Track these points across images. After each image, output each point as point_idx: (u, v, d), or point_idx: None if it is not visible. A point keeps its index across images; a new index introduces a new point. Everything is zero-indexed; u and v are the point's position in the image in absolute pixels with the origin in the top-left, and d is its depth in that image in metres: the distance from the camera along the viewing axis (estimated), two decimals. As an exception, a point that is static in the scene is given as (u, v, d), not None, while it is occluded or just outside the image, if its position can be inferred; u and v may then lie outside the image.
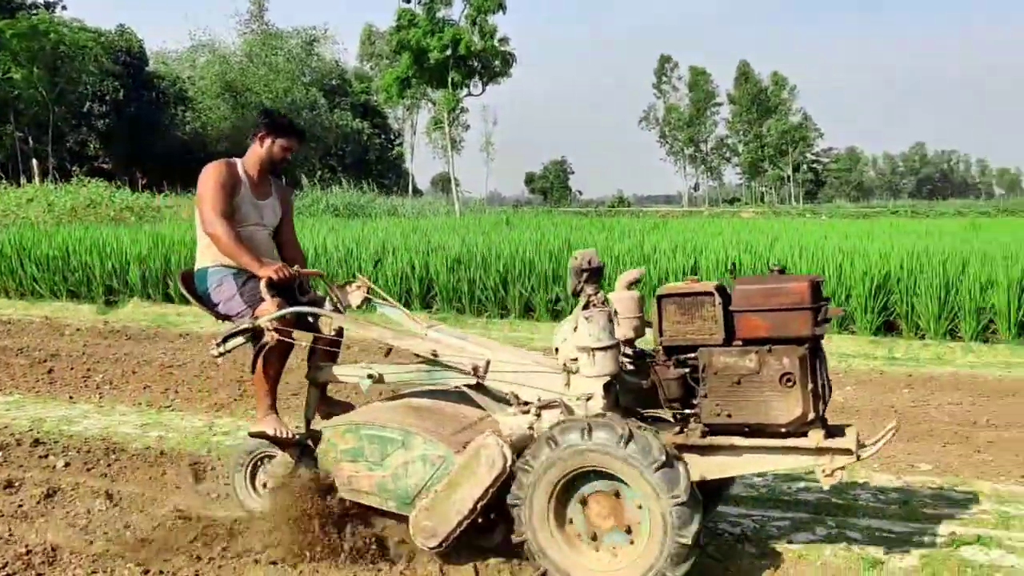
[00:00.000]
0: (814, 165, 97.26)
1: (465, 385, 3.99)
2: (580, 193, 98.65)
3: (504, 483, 3.55)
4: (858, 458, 3.51)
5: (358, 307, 4.31)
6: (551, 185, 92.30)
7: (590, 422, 3.46)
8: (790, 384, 3.46)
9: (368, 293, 4.29)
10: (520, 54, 50.31)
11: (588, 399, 3.73)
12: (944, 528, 4.33)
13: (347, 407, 4.40)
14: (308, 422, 4.31)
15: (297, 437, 4.18)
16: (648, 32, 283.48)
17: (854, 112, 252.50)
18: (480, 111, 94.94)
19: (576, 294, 3.84)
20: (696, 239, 13.46)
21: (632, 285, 4.00)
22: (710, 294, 3.64)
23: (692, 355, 3.69)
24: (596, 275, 3.81)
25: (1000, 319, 9.46)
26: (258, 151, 4.38)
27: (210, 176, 4.23)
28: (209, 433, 6.09)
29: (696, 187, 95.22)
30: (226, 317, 4.25)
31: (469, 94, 44.12)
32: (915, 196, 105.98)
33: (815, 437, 3.52)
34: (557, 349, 3.88)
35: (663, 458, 3.34)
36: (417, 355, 4.08)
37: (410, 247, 12.79)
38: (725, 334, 3.61)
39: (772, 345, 3.50)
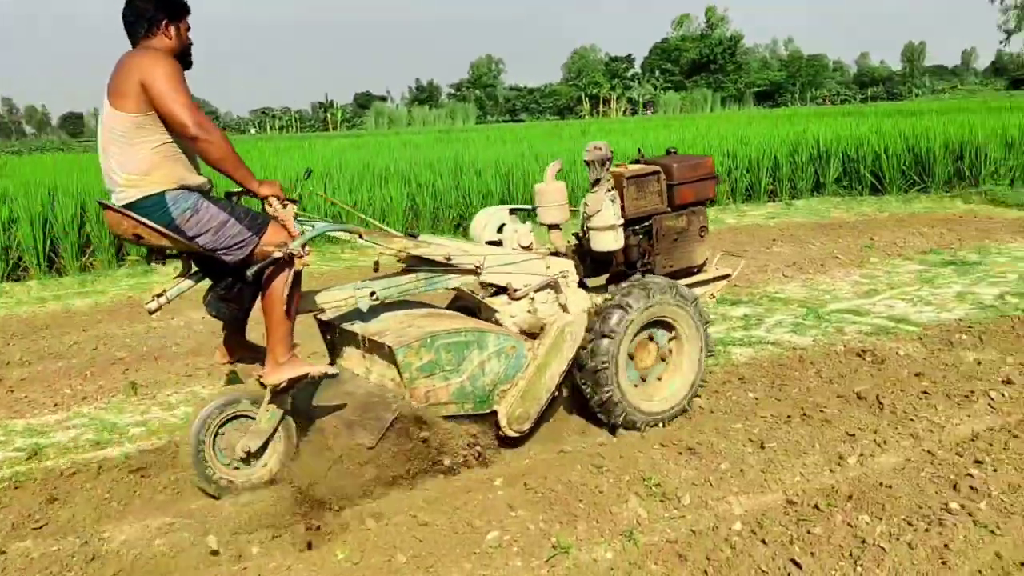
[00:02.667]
0: None
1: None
2: None
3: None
4: (730, 282, 4.90)
5: None
6: None
7: (676, 284, 4.28)
8: (704, 234, 4.68)
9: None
10: None
11: (566, 276, 4.27)
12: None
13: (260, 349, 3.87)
14: None
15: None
16: None
17: None
18: None
19: (596, 183, 4.25)
20: None
21: (557, 174, 4.45)
22: (657, 172, 4.46)
23: (646, 223, 4.48)
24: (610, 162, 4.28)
25: (28, 256, 9.65)
26: (169, 43, 3.51)
27: (172, 66, 3.34)
28: None
29: None
30: (212, 250, 3.47)
31: None
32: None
33: (710, 270, 4.79)
34: (497, 242, 4.36)
35: (700, 305, 4.38)
36: (408, 263, 4.06)
37: None
38: (668, 203, 4.50)
39: (694, 207, 4.60)
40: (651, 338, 4.31)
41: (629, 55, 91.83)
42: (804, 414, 4.31)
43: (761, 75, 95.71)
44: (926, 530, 3.12)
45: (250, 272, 3.44)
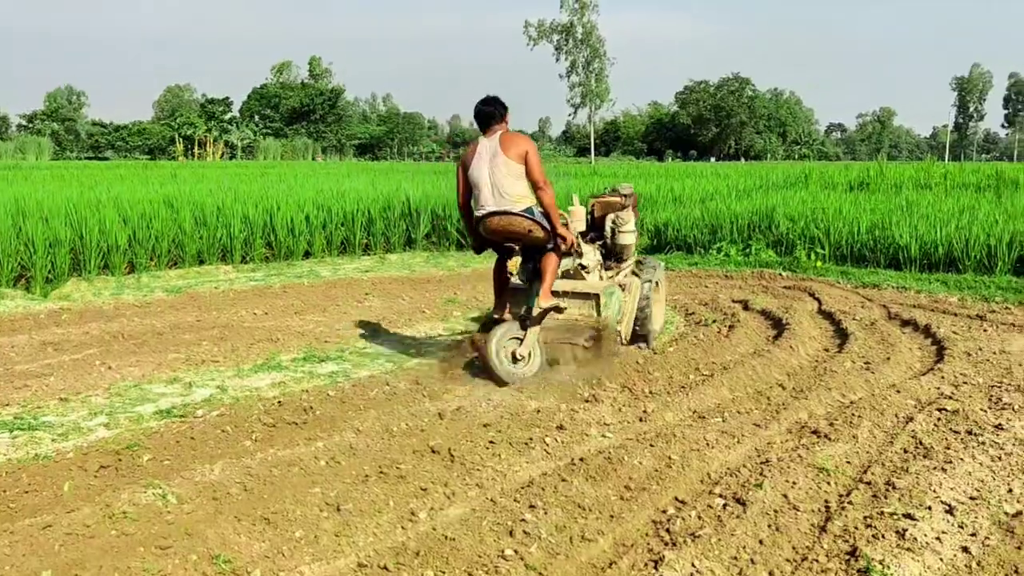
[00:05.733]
0: None
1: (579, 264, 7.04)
2: None
3: None
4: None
5: None
6: None
7: (661, 264, 8.19)
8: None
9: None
10: None
11: (601, 262, 7.39)
12: None
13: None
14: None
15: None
16: None
17: None
18: None
19: (625, 206, 7.54)
20: None
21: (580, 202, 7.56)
22: (631, 195, 7.71)
23: None
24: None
25: None
26: (506, 127, 6.35)
27: (536, 147, 6.30)
28: None
29: None
30: (547, 238, 6.21)
31: None
32: None
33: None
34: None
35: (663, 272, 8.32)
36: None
37: None
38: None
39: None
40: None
41: (227, 98, 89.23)
42: (381, 471, 4.41)
43: (362, 128, 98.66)
44: (484, 579, 3.33)
45: (565, 248, 6.37)
